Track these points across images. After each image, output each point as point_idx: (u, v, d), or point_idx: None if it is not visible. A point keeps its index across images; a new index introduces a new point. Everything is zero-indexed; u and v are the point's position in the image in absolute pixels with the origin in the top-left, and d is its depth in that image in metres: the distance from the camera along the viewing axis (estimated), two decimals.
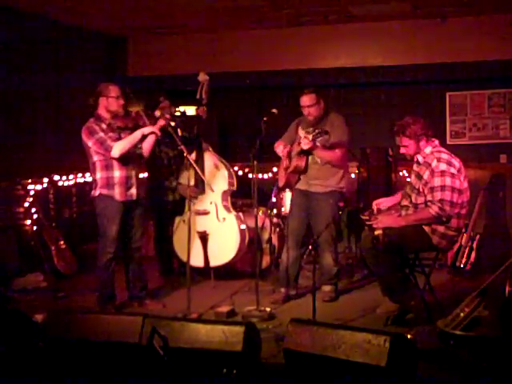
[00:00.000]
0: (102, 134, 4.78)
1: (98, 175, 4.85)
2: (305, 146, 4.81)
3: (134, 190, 4.92)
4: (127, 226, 4.96)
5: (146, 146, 4.98)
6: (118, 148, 4.77)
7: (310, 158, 5.03)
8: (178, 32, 7.45)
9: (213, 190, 5.35)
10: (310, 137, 4.75)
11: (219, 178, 5.64)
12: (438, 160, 4.30)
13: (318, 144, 4.82)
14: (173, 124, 4.98)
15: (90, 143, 4.79)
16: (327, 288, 5.12)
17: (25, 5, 6.05)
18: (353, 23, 7.06)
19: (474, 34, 6.79)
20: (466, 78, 7.13)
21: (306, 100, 5.02)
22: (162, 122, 4.88)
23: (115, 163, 4.83)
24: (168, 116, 4.92)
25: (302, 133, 5.08)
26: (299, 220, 5.16)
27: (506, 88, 7.21)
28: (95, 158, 4.83)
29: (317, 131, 4.73)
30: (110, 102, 4.85)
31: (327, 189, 5.06)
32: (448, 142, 7.17)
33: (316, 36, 7.25)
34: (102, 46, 7.55)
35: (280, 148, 5.17)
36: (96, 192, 4.88)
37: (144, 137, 4.90)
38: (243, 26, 7.25)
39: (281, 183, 5.24)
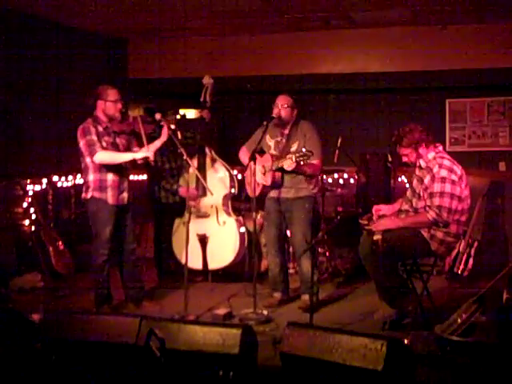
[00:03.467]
0: (94, 137, 4.74)
1: (91, 177, 4.82)
2: (289, 167, 4.79)
3: (125, 194, 4.92)
4: (120, 228, 4.95)
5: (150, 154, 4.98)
6: (100, 156, 4.72)
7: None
8: (179, 35, 7.47)
9: (212, 193, 5.35)
10: (294, 158, 4.72)
11: (221, 181, 5.64)
12: (440, 166, 4.31)
13: (301, 164, 4.78)
14: (173, 127, 4.98)
15: (80, 143, 4.77)
16: (306, 297, 4.98)
17: (25, 7, 6.06)
18: (353, 29, 7.08)
19: (474, 41, 6.82)
20: (466, 85, 7.16)
21: (282, 99, 5.01)
22: (164, 138, 4.89)
23: (108, 166, 4.80)
24: (172, 127, 4.96)
25: (270, 141, 5.10)
26: (277, 227, 5.15)
27: (506, 96, 7.24)
28: (88, 159, 4.80)
29: (299, 154, 4.70)
30: (107, 105, 4.83)
31: (301, 193, 5.04)
32: (447, 149, 7.16)
33: (317, 41, 7.28)
34: (103, 48, 7.56)
35: (260, 168, 5.06)
36: (88, 194, 4.85)
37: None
38: (244, 31, 7.27)
39: (255, 193, 4.99)
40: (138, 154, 4.79)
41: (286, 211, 5.09)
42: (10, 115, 6.17)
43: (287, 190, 5.05)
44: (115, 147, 4.87)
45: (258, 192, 5.07)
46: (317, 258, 5.31)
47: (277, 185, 5.02)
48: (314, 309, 4.76)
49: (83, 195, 4.92)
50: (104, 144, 4.78)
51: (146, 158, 4.77)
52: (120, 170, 4.87)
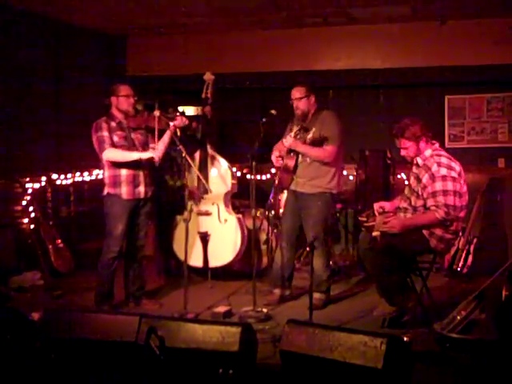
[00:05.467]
0: (105, 133, 4.80)
1: (106, 173, 4.89)
2: (286, 143, 4.83)
3: (141, 188, 4.93)
4: (133, 224, 4.97)
5: (157, 160, 4.98)
6: (109, 154, 4.79)
7: (299, 156, 5.02)
8: (178, 32, 7.45)
9: (211, 191, 5.35)
10: (292, 134, 4.77)
11: (222, 179, 5.63)
12: (439, 164, 4.29)
13: (298, 141, 4.82)
14: (171, 124, 4.97)
15: (93, 139, 4.84)
16: (316, 295, 4.91)
17: (24, 4, 6.04)
18: (352, 25, 7.06)
19: (473, 37, 6.80)
20: (465, 81, 7.15)
21: (294, 92, 5.03)
22: (169, 133, 4.92)
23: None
24: (179, 122, 4.95)
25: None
26: (291, 221, 5.15)
27: (505, 92, 7.23)
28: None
29: (297, 128, 4.74)
30: (120, 100, 4.89)
31: (315, 190, 5.00)
32: (446, 146, 7.17)
33: (316, 38, 7.26)
34: (102, 45, 7.55)
35: (274, 156, 5.16)
36: (104, 191, 4.91)
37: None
38: (243, 27, 7.26)
39: (276, 182, 5.26)
40: (144, 154, 4.84)
41: (302, 207, 5.08)
42: (8, 113, 6.16)
43: (303, 183, 5.02)
44: (129, 142, 4.90)
45: (277, 179, 5.15)
46: (328, 257, 5.28)
47: (287, 170, 5.02)
48: (321, 307, 4.88)
49: (103, 192, 4.95)
50: (116, 138, 4.83)
51: (151, 159, 4.83)
52: (135, 164, 4.88)
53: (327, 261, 5.15)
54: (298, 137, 4.88)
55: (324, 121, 4.99)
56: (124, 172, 4.85)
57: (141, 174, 4.92)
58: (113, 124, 4.86)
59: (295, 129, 4.94)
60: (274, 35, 7.36)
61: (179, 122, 4.98)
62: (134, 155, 4.85)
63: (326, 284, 5.07)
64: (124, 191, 4.86)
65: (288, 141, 4.83)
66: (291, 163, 5.02)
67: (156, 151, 4.84)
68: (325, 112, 5.09)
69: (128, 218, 4.89)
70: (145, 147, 4.98)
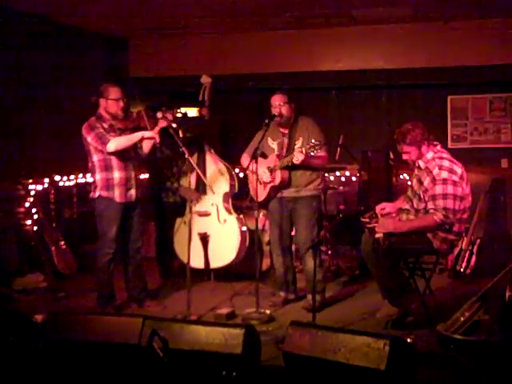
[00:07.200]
0: (101, 130, 4.78)
1: (98, 176, 4.84)
2: (298, 161, 4.78)
3: (133, 192, 4.93)
4: (126, 227, 4.96)
5: (146, 145, 4.99)
6: (114, 143, 4.74)
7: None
8: (180, 33, 7.46)
9: (214, 192, 5.35)
10: (304, 150, 4.74)
11: (220, 179, 5.63)
12: (440, 168, 4.27)
13: (310, 156, 4.80)
14: (174, 126, 4.96)
15: (89, 138, 4.78)
16: (310, 296, 4.90)
17: (26, 5, 6.05)
18: (354, 26, 7.06)
19: (475, 38, 6.79)
20: (468, 82, 7.14)
21: (278, 98, 4.99)
22: (162, 124, 4.84)
23: (114, 164, 4.82)
24: (170, 117, 4.91)
25: (273, 144, 5.09)
26: (282, 226, 5.13)
27: (508, 92, 7.22)
28: (95, 157, 4.83)
29: (309, 145, 4.72)
30: (109, 104, 4.85)
31: (308, 192, 5.02)
32: (449, 146, 7.17)
33: (318, 39, 7.26)
34: (104, 47, 7.55)
35: (264, 170, 5.02)
36: (95, 194, 4.88)
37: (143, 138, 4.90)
38: (245, 28, 7.26)
39: (260, 198, 5.03)
40: (146, 133, 4.81)
41: (292, 210, 5.07)
42: (11, 115, 6.16)
43: (293, 190, 5.03)
44: None
45: (265, 195, 5.07)
46: (320, 256, 5.28)
47: (285, 184, 5.00)
48: (318, 308, 4.76)
49: (91, 194, 4.94)
50: None
51: (153, 140, 4.81)
52: (127, 167, 4.87)
53: (320, 261, 5.13)
54: (308, 147, 4.81)
55: (308, 128, 5.00)
56: (117, 175, 4.83)
57: (132, 176, 4.92)
58: (105, 125, 4.83)
59: (299, 143, 4.92)
60: (276, 36, 7.36)
61: (163, 122, 4.89)
62: (138, 134, 4.82)
63: (321, 284, 5.06)
64: (117, 194, 4.84)
65: (300, 158, 4.76)
66: (287, 176, 4.99)
67: (155, 134, 4.80)
68: (303, 119, 5.08)
69: (121, 221, 4.88)
70: (134, 148, 4.96)
